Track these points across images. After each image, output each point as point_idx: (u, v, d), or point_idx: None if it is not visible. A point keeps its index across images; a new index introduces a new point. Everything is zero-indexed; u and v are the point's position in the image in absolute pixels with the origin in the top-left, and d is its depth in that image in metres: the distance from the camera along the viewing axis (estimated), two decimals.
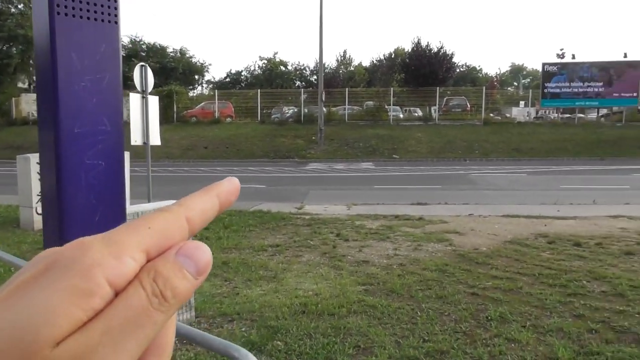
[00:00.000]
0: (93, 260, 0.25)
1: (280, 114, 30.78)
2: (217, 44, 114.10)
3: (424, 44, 32.36)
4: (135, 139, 6.97)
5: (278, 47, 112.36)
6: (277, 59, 46.48)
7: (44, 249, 0.28)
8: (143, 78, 7.39)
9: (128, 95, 6.81)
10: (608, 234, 7.35)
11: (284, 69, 46.25)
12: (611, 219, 8.60)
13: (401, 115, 31.68)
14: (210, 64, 51.16)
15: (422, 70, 31.02)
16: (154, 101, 7.40)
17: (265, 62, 46.25)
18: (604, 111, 31.15)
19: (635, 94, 28.88)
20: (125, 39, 42.46)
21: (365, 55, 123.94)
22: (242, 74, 47.80)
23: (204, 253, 0.28)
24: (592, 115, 31.68)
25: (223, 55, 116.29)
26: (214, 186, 0.32)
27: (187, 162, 23.35)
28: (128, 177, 6.66)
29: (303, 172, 19.19)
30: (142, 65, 7.54)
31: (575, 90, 28.91)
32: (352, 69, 49.40)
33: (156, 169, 18.17)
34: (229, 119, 31.13)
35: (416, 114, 32.13)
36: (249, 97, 33.11)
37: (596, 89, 28.76)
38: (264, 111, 31.24)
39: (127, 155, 6.61)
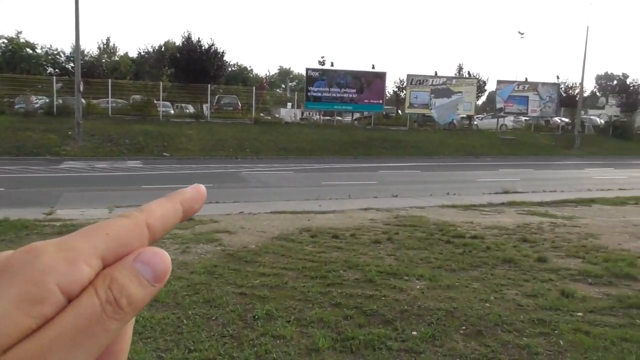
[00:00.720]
0: (45, 266, 0.24)
1: (27, 104, 26.57)
2: None
3: (194, 39, 31.77)
4: None
5: (23, 25, 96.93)
6: (22, 40, 40.18)
7: None
8: None
9: None
10: (360, 225, 8.17)
11: (31, 52, 40.19)
12: (362, 211, 9.63)
13: (172, 112, 30.62)
14: None
15: (193, 66, 30.40)
16: None
17: (6, 41, 39.50)
18: (357, 115, 35.24)
19: (380, 101, 33.46)
20: None
21: (132, 45, 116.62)
22: None
23: (162, 260, 0.28)
24: (348, 118, 35.54)
25: None
26: (177, 193, 0.32)
27: None
28: None
29: (56, 172, 16.88)
30: None
31: (334, 95, 32.04)
32: (117, 59, 45.87)
33: None
34: None
35: (187, 111, 31.43)
36: None
37: (350, 95, 32.36)
38: (5, 100, 26.55)
39: None
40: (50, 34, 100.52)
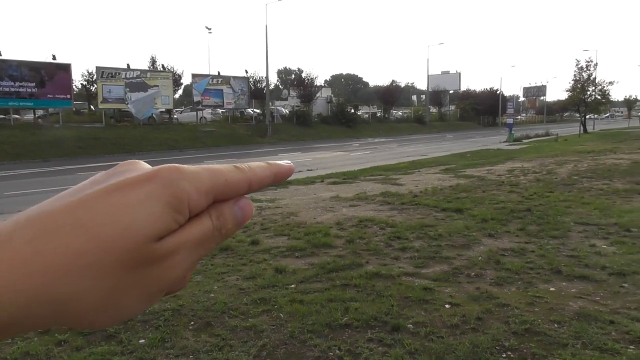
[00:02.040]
0: (185, 187, 0.33)
1: None
2: None
3: None
4: None
5: None
6: None
7: None
8: None
9: None
10: None
11: None
12: None
13: None
14: None
15: None
16: None
17: None
18: (40, 112, 30.97)
19: (68, 96, 30.11)
20: None
21: None
22: None
23: (250, 209, 0.37)
24: (29, 116, 30.93)
25: None
26: (275, 164, 0.39)
27: None
28: None
29: None
30: None
31: (7, 89, 27.36)
32: None
33: None
34: None
35: None
36: None
37: (29, 90, 28.15)
38: None
39: None
40: None
